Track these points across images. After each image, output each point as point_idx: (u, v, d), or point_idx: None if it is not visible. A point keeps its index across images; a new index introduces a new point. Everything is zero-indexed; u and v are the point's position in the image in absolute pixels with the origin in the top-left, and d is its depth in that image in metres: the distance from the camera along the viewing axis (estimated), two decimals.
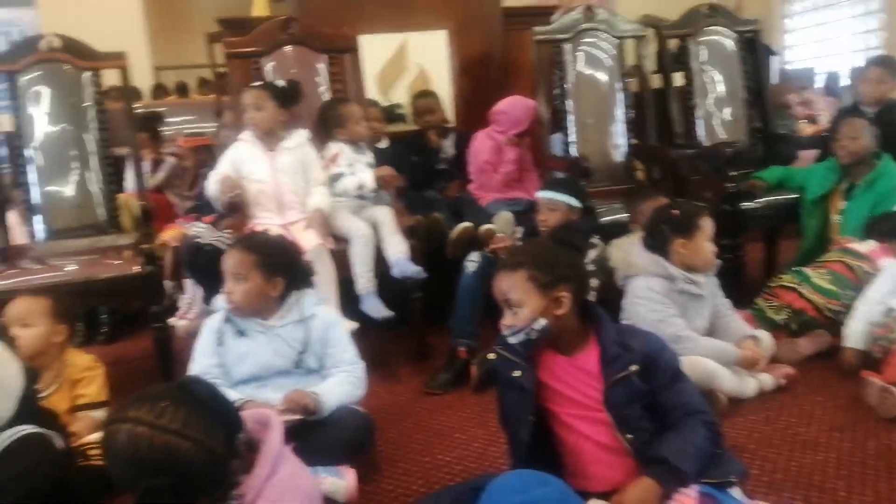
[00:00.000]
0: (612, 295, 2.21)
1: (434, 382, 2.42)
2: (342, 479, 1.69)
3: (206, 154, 3.95)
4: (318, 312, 1.90)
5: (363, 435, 1.84)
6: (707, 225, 2.15)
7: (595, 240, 2.44)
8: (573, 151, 3.21)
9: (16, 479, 1.02)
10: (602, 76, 3.31)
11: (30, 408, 1.11)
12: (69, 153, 2.88)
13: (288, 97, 2.64)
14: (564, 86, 3.25)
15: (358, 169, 2.73)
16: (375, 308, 2.52)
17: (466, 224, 2.84)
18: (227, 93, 3.50)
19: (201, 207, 3.54)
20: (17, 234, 3.09)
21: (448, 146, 3.46)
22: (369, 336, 2.38)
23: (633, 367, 1.38)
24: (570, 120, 3.25)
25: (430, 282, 2.60)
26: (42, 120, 2.85)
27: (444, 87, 3.56)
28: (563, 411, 1.46)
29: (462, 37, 3.51)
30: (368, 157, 2.81)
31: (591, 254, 2.37)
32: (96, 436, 1.83)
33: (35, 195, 2.86)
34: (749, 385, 2.13)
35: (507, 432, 1.55)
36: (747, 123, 3.46)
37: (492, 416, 2.03)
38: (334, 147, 2.73)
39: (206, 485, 1.05)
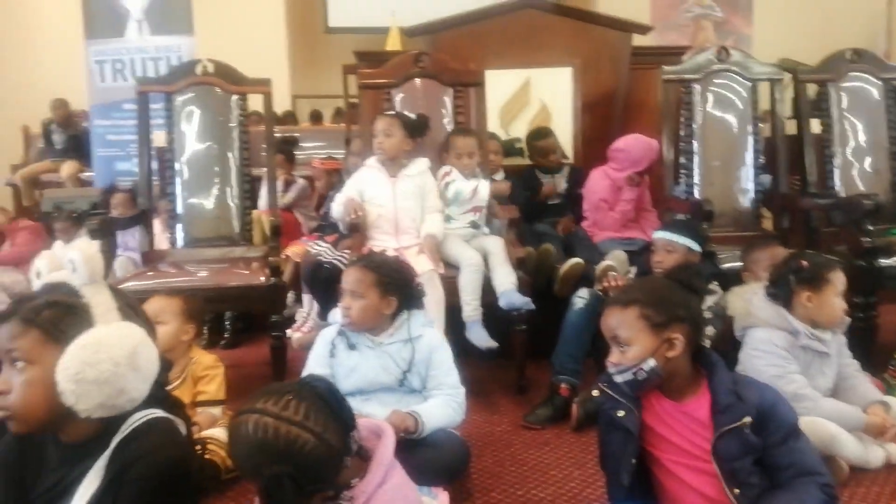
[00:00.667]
0: (729, 345, 2.11)
1: (533, 416, 2.40)
2: (435, 500, 1.70)
3: (334, 177, 4.16)
4: (425, 334, 1.94)
5: (459, 460, 1.85)
6: (838, 279, 2.01)
7: (714, 286, 2.35)
8: (696, 194, 3.12)
9: (142, 458, 1.10)
10: (732, 119, 3.20)
11: (160, 395, 1.20)
12: (212, 169, 3.13)
13: (416, 128, 2.77)
14: (691, 126, 3.17)
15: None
16: (480, 337, 2.54)
17: (577, 260, 2.82)
18: (357, 122, 3.68)
19: (325, 227, 3.73)
20: (160, 240, 3.39)
21: (560, 181, 3.46)
22: (470, 364, 2.40)
23: (747, 419, 1.32)
24: (696, 161, 3.16)
25: (534, 315, 2.59)
26: (191, 137, 3.13)
27: (565, 123, 3.57)
28: (667, 457, 1.40)
29: (588, 74, 3.52)
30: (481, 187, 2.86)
31: (709, 300, 2.28)
32: (214, 431, 1.96)
33: (179, 206, 3.12)
34: (875, 454, 1.96)
35: (607, 474, 1.51)
36: (891, 176, 3.23)
37: (590, 456, 2.00)
38: (447, 168, 2.81)
39: (323, 477, 1.10)
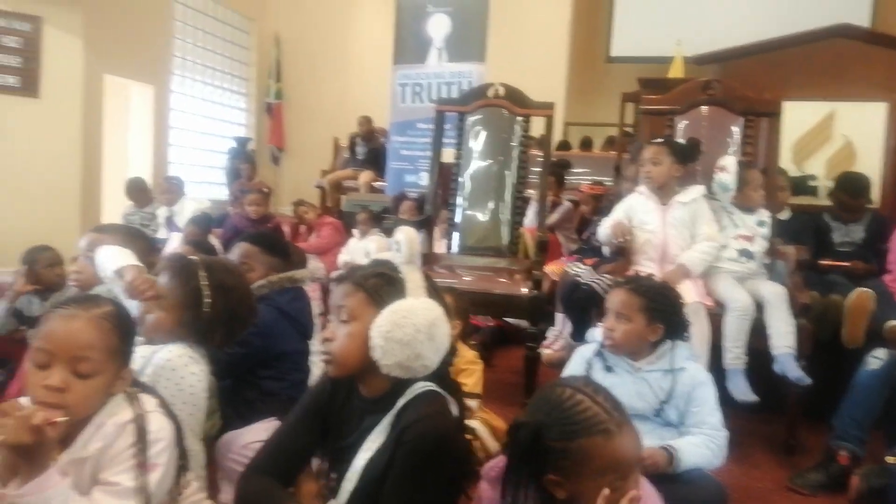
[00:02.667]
0: None
1: (801, 479, 2.17)
2: None
3: (601, 203, 4.19)
4: (689, 367, 1.87)
5: (715, 502, 1.75)
6: None
7: None
8: None
9: (413, 424, 1.24)
10: None
11: (443, 373, 1.35)
12: (490, 185, 3.36)
13: (686, 154, 2.69)
14: None
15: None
16: (740, 389, 2.37)
17: (865, 290, 2.50)
18: (630, 149, 3.67)
19: (585, 251, 3.77)
20: (438, 245, 3.71)
21: (857, 230, 3.08)
22: (730, 411, 2.23)
23: None
24: None
25: (814, 368, 2.34)
26: (476, 155, 3.39)
27: (872, 163, 3.19)
28: None
29: None
30: (762, 223, 2.67)
31: None
32: (469, 423, 2.09)
33: (458, 216, 3.39)
34: None
35: None
36: None
37: None
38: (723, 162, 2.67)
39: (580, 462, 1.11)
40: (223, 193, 7.68)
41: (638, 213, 2.70)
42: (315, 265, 4.85)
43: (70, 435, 1.15)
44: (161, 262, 1.85)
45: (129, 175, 5.92)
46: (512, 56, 6.93)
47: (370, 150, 6.91)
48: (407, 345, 1.25)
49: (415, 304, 1.29)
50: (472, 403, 2.25)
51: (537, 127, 3.45)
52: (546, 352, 3.48)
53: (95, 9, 5.64)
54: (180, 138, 7.71)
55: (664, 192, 2.66)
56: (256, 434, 1.73)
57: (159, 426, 1.22)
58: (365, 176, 6.66)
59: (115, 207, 5.86)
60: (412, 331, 1.25)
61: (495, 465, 1.27)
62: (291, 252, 2.58)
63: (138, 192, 5.51)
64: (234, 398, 2.01)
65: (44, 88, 5.38)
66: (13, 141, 5.28)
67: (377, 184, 6.55)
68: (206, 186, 7.94)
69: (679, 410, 1.85)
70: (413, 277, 1.35)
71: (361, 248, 4.46)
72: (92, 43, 5.60)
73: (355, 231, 4.85)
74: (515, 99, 3.31)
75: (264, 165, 8.74)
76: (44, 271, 2.71)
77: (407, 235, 1.38)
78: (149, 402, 1.25)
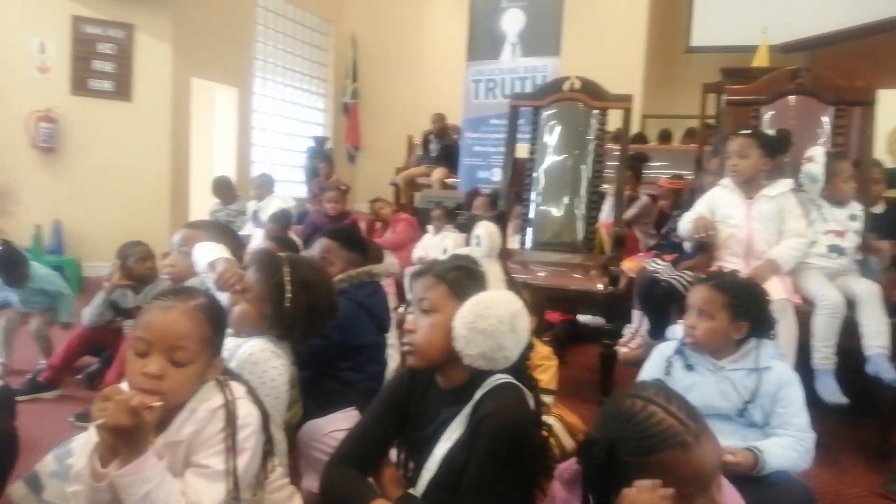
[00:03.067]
0: None
1: (895, 486, 2.05)
2: None
3: (680, 197, 4.07)
4: (775, 366, 1.80)
5: None
6: None
7: None
8: None
9: (491, 415, 1.25)
10: None
11: (521, 367, 1.36)
12: (565, 180, 3.32)
13: (775, 147, 2.58)
14: None
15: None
16: (829, 390, 2.27)
17: None
18: (711, 142, 3.55)
19: (663, 247, 3.67)
20: (510, 241, 3.70)
21: None
22: (818, 413, 2.13)
23: None
24: None
25: None
26: (551, 149, 3.35)
27: None
28: None
29: None
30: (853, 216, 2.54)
31: None
32: (548, 419, 2.09)
33: (531, 211, 3.37)
34: None
35: None
36: None
37: None
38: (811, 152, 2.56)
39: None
40: (302, 191, 7.92)
41: (721, 206, 2.62)
42: (390, 260, 4.92)
43: (165, 420, 1.22)
44: (248, 256, 1.93)
45: (214, 173, 6.19)
46: (587, 49, 6.84)
47: (443, 147, 6.96)
48: (490, 335, 1.27)
49: (496, 295, 1.32)
50: (546, 400, 2.24)
51: (613, 121, 3.39)
52: (622, 350, 3.42)
53: (183, 15, 5.91)
54: (262, 138, 7.98)
55: (750, 185, 2.56)
56: (336, 423, 1.79)
57: (247, 412, 1.27)
58: (438, 173, 6.71)
59: (201, 204, 6.14)
60: (495, 321, 1.27)
61: (569, 468, 1.26)
62: (369, 248, 2.64)
63: (224, 189, 5.76)
64: (313, 389, 2.07)
65: (136, 92, 5.69)
66: (108, 142, 5.60)
67: (450, 180, 6.59)
68: (286, 185, 8.21)
69: (764, 411, 1.78)
70: (493, 270, 1.37)
71: (436, 244, 4.50)
72: (180, 48, 5.87)
73: (429, 227, 4.90)
74: (592, 92, 3.26)
75: (341, 164, 8.94)
76: (135, 265, 2.84)
77: (487, 230, 1.41)
78: (238, 389, 1.31)
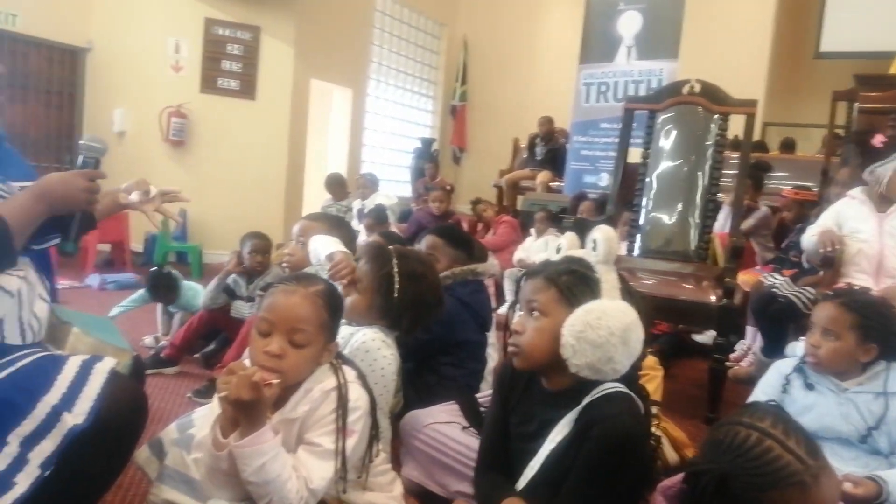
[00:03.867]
0: None
1: None
2: None
3: (805, 210, 3.84)
4: None
5: None
6: None
7: None
8: None
9: (604, 420, 1.24)
10: None
11: (633, 377, 1.34)
12: (679, 186, 3.20)
13: None
14: None
15: None
16: None
17: None
18: (840, 152, 3.33)
19: (783, 261, 3.49)
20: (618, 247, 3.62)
21: None
22: None
23: None
24: None
25: None
26: (666, 154, 3.24)
27: None
28: None
29: None
30: None
31: None
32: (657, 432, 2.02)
33: (641, 217, 3.27)
34: None
35: None
36: None
37: None
38: None
39: None
40: (407, 191, 8.08)
41: (850, 220, 2.45)
42: (491, 261, 4.94)
43: (282, 398, 1.28)
44: (360, 249, 2.01)
45: (327, 171, 6.44)
46: (707, 52, 6.57)
47: (549, 150, 6.90)
48: (599, 347, 1.23)
49: (609, 305, 1.28)
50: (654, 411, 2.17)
51: (734, 127, 3.23)
52: (732, 367, 3.27)
53: (306, 19, 6.17)
54: (372, 138, 8.21)
55: (883, 199, 2.38)
56: (436, 416, 1.82)
57: (357, 395, 1.32)
58: (543, 176, 6.66)
59: (314, 199, 6.40)
60: (606, 333, 1.23)
61: (674, 484, 1.21)
62: (474, 246, 2.67)
63: (336, 185, 5.98)
64: (415, 381, 2.12)
65: (259, 91, 5.99)
66: (232, 138, 5.94)
67: (554, 184, 6.53)
68: (391, 184, 8.40)
69: (891, 439, 1.66)
70: (608, 278, 1.33)
71: (538, 248, 4.47)
72: (301, 50, 6.13)
73: (532, 230, 4.87)
74: (713, 96, 3.13)
75: (446, 165, 9.05)
76: (247, 257, 2.98)
77: (604, 234, 1.36)
78: (349, 373, 1.35)
